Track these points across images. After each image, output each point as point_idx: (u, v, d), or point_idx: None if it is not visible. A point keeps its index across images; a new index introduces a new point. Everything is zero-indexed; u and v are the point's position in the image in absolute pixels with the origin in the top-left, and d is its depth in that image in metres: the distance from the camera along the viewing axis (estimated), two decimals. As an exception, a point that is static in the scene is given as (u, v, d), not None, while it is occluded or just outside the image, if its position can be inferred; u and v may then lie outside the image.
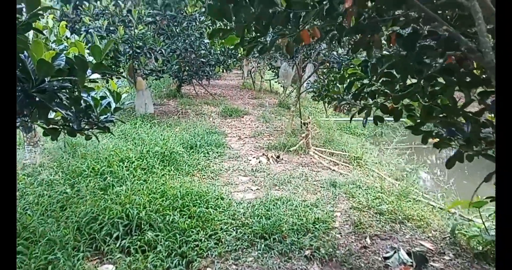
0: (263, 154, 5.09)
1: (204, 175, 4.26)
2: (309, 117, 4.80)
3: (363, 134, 9.64)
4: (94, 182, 3.45)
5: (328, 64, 7.22)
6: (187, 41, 6.79)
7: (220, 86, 14.41)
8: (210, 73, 7.55)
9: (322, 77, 6.48)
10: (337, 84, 5.13)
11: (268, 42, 2.21)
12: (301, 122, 6.31)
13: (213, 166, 4.61)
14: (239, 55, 7.44)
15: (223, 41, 1.92)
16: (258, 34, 2.09)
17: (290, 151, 4.82)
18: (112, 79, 7.34)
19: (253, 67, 14.85)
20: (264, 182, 4.24)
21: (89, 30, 5.72)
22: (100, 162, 3.70)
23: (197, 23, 6.43)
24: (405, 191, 4.02)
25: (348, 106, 6.10)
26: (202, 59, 6.85)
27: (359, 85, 2.83)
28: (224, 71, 8.24)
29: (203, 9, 6.53)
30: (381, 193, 4.08)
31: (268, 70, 14.55)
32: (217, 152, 5.16)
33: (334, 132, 7.99)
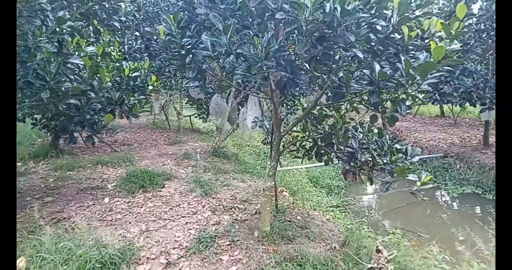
0: None
1: None
2: (381, 249, 1.72)
3: (338, 186, 7.02)
4: None
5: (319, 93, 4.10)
6: (28, 62, 3.16)
7: (123, 127, 10.42)
8: (96, 124, 3.87)
9: (310, 120, 3.55)
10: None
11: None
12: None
13: None
14: (150, 87, 3.97)
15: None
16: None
17: None
18: None
19: (165, 100, 11.41)
20: None
21: None
22: None
23: (50, 24, 2.90)
24: None
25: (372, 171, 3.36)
26: (71, 101, 3.21)
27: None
28: (127, 118, 4.48)
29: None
30: None
31: (186, 103, 11.31)
32: None
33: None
